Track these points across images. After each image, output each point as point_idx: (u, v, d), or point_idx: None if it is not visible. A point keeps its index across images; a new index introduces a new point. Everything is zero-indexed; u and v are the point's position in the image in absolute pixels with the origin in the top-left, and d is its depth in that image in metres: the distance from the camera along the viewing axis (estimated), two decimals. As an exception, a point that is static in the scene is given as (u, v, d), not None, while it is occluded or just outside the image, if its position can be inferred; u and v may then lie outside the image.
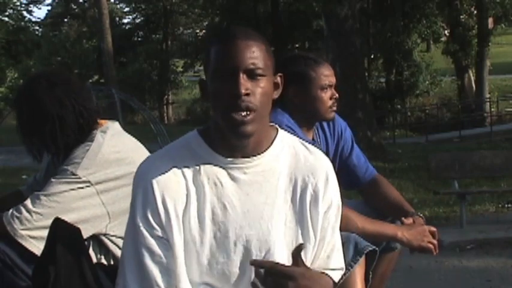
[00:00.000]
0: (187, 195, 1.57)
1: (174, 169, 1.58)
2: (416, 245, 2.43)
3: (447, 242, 5.93)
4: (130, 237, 1.58)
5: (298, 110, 2.50)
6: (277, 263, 1.53)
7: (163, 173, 1.57)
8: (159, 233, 1.55)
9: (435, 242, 2.46)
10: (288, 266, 1.54)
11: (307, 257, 1.62)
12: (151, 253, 1.55)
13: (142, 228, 1.56)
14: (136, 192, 1.59)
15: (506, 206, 7.59)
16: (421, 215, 2.57)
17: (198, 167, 1.59)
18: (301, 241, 1.61)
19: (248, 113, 1.51)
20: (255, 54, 1.53)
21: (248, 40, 1.53)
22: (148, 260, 1.55)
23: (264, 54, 1.55)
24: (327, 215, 1.65)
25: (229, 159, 1.59)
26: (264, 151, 1.61)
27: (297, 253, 1.55)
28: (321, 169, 1.65)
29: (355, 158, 2.68)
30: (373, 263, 2.37)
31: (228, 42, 1.54)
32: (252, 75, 1.52)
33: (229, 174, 1.59)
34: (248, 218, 1.58)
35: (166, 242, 1.55)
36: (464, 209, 6.60)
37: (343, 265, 1.74)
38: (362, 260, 2.26)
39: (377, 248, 2.34)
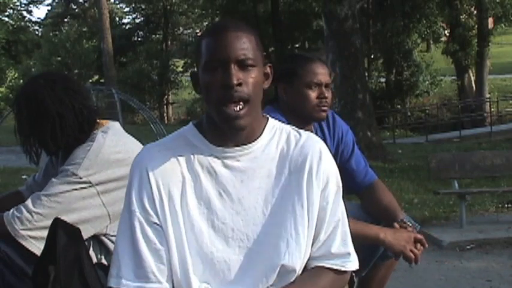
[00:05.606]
0: (183, 183, 1.59)
1: (169, 157, 1.60)
2: (398, 250, 2.35)
3: (447, 242, 5.93)
4: (125, 226, 1.59)
5: (287, 108, 2.45)
6: None
7: (158, 161, 1.60)
8: (155, 219, 1.57)
9: (417, 252, 2.36)
10: None
11: (305, 239, 1.61)
12: (148, 240, 1.56)
13: (138, 214, 1.57)
14: (132, 180, 1.61)
15: (506, 206, 7.58)
16: (408, 222, 2.49)
17: (192, 156, 1.61)
18: (299, 223, 1.61)
19: (241, 105, 1.53)
20: (246, 45, 1.55)
21: (238, 31, 1.56)
22: (144, 247, 1.56)
23: (254, 45, 1.57)
24: (324, 193, 1.65)
25: (222, 148, 1.61)
26: (256, 139, 1.63)
27: None
28: (314, 149, 1.66)
29: (354, 163, 2.62)
30: None
31: (218, 34, 1.56)
32: (243, 65, 1.54)
33: (223, 162, 1.61)
34: (243, 204, 1.59)
35: (160, 229, 1.57)
36: (464, 209, 6.58)
37: (349, 250, 1.68)
38: None
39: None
